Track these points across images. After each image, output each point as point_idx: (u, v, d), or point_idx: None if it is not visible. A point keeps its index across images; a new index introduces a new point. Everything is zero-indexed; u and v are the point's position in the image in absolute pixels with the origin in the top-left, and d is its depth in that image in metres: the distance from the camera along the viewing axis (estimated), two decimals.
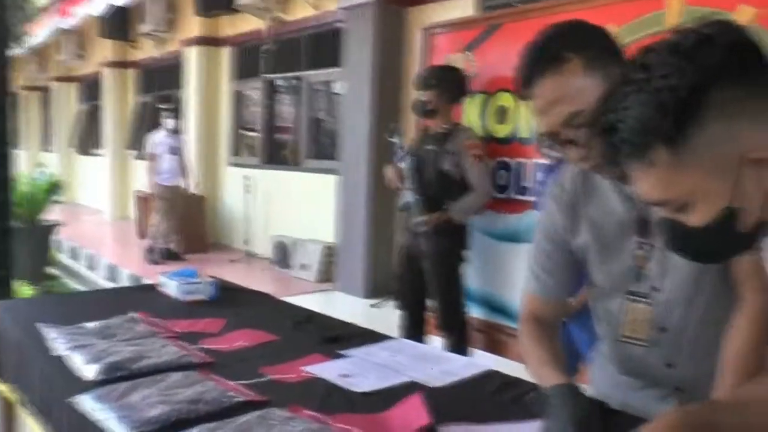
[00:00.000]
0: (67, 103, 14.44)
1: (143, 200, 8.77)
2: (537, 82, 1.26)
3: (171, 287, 2.41)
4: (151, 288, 2.60)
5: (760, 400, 1.03)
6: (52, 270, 8.11)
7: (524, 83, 1.28)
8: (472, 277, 4.24)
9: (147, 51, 10.76)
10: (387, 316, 4.54)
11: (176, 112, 7.68)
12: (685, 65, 0.80)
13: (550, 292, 1.49)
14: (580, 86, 1.24)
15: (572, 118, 1.24)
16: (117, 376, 1.59)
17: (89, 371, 1.60)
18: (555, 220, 1.45)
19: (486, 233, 4.28)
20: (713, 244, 0.89)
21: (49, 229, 8.05)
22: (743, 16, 2.90)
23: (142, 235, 8.49)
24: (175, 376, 1.55)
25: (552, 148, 1.32)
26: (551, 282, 1.48)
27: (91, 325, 1.97)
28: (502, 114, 4.21)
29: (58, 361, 1.72)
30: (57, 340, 1.82)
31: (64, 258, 8.81)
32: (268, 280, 6.48)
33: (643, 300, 1.36)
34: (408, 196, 3.88)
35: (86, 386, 1.53)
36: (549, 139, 1.29)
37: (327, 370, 1.67)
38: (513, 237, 4.11)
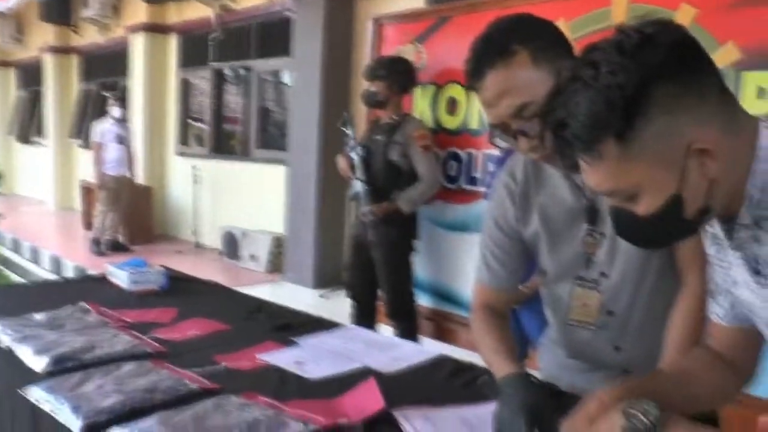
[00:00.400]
0: (5, 89, 13.97)
1: (88, 190, 8.55)
2: (486, 74, 1.28)
3: (120, 277, 2.39)
4: (100, 279, 2.57)
5: (690, 371, 1.09)
6: None
7: (473, 75, 1.31)
8: (421, 266, 4.30)
9: (90, 37, 10.47)
10: (336, 306, 4.55)
11: (122, 101, 7.51)
12: (629, 63, 0.85)
13: (501, 282, 1.53)
14: (528, 78, 1.27)
15: (521, 110, 1.27)
16: (68, 366, 1.57)
17: (38, 363, 1.58)
18: (506, 210, 1.49)
19: (435, 223, 4.34)
20: (660, 231, 0.94)
21: None
22: (684, 15, 3.00)
23: (88, 226, 8.29)
24: (129, 366, 1.55)
25: (502, 139, 1.35)
26: (502, 272, 1.52)
27: (39, 316, 1.94)
28: (452, 105, 4.27)
29: (5, 353, 1.69)
30: (3, 332, 1.78)
31: (4, 251, 8.56)
32: (216, 271, 6.41)
33: (592, 285, 1.42)
34: (357, 186, 3.90)
35: (35, 378, 1.51)
36: (499, 131, 1.33)
37: (281, 357, 1.69)
38: (462, 227, 4.18)
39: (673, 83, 0.85)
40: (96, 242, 7.26)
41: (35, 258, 7.73)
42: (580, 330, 1.48)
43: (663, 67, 0.85)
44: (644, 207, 0.91)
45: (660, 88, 0.85)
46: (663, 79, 0.85)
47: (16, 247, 8.39)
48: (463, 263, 4.14)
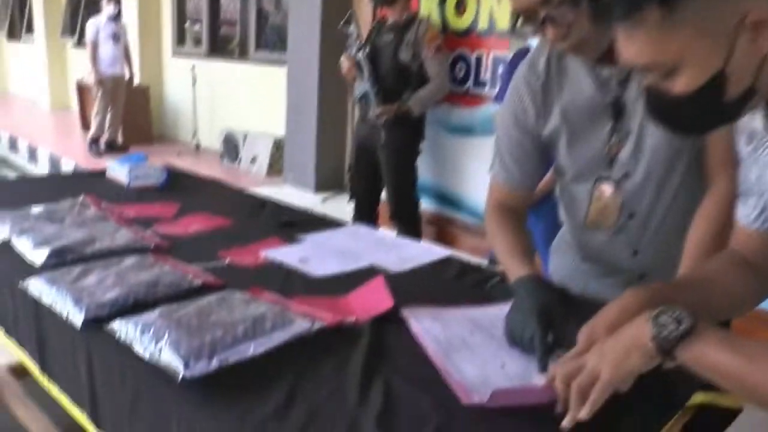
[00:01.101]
0: None
1: (84, 90, 8.39)
2: None
3: (120, 173, 2.33)
4: (100, 175, 2.51)
5: (714, 278, 1.05)
6: None
7: None
8: (424, 170, 4.24)
9: None
10: (338, 210, 4.52)
11: None
12: None
13: (517, 182, 1.47)
14: None
15: None
16: (68, 259, 1.54)
17: (38, 256, 1.54)
18: (524, 106, 1.41)
19: (441, 126, 4.25)
20: (697, 113, 0.87)
21: None
22: None
23: (85, 126, 8.17)
24: (131, 260, 1.51)
25: (527, 29, 1.27)
26: (518, 171, 1.45)
27: (37, 209, 1.90)
28: (460, 5, 4.10)
29: (4, 247, 1.65)
30: (1, 225, 1.74)
31: (1, 150, 8.47)
32: (216, 173, 6.31)
33: (613, 185, 1.36)
34: (365, 87, 3.79)
35: (35, 271, 1.47)
36: (525, 19, 1.24)
37: (285, 254, 1.65)
38: (468, 131, 4.10)
39: None
40: (94, 142, 7.18)
41: (33, 157, 7.66)
42: (597, 233, 1.43)
43: None
44: (683, 84, 0.83)
45: None
46: None
47: (13, 147, 8.30)
48: (468, 167, 4.08)
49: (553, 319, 1.14)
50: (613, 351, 0.90)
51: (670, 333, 0.85)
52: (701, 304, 0.99)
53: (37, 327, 1.45)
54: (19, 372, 2.21)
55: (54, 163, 7.11)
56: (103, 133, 7.19)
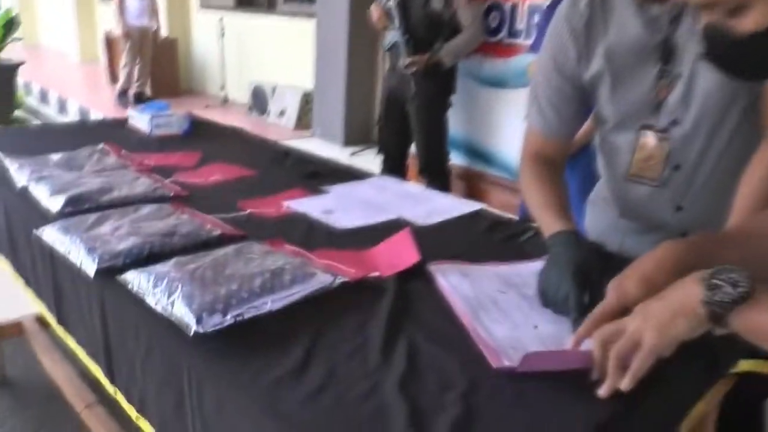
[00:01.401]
0: None
1: (112, 42, 8.33)
2: None
3: (142, 121, 2.27)
4: (121, 123, 2.46)
5: (765, 233, 0.96)
6: (19, 113, 7.82)
7: None
8: (455, 123, 4.12)
9: None
10: (367, 165, 4.45)
11: None
12: None
13: (554, 129, 1.37)
14: None
15: None
16: (85, 208, 1.49)
17: (54, 203, 1.50)
18: (565, 48, 1.30)
19: (473, 78, 4.12)
20: (763, 55, 0.77)
21: (11, 69, 7.63)
22: None
23: (113, 79, 8.15)
24: (147, 209, 1.45)
25: None
26: (556, 118, 1.36)
27: (56, 156, 1.85)
28: None
29: (22, 193, 1.61)
30: (19, 172, 1.70)
31: (32, 101, 8.49)
32: (244, 126, 6.28)
33: (660, 134, 1.26)
34: (395, 37, 3.67)
35: (51, 219, 1.43)
36: None
37: (309, 205, 1.58)
38: (501, 82, 3.96)
39: None
40: (122, 94, 7.16)
41: (63, 109, 7.66)
42: (638, 186, 1.34)
43: None
44: (752, 22, 0.74)
45: None
46: None
47: (43, 99, 8.32)
48: (500, 121, 3.96)
49: (590, 278, 1.05)
50: (658, 314, 0.82)
51: (725, 297, 0.77)
52: (748, 261, 0.89)
53: (53, 277, 1.41)
54: (44, 321, 2.20)
55: (83, 115, 7.11)
56: (131, 85, 7.17)
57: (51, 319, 1.49)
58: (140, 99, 7.14)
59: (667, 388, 0.90)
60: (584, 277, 1.05)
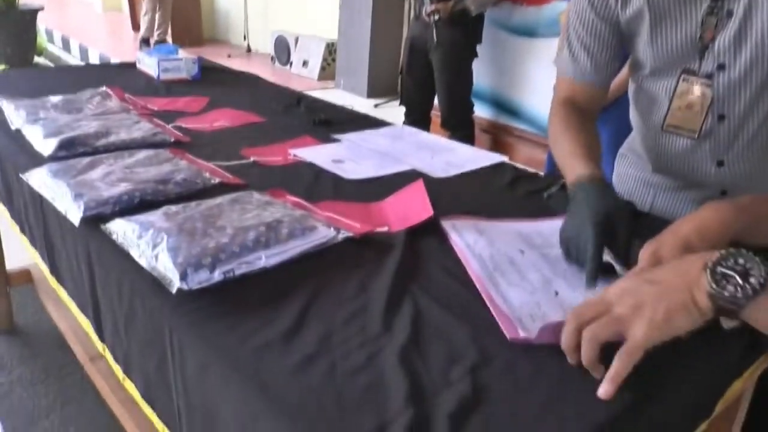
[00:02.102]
0: None
1: None
2: None
3: (149, 64, 2.16)
4: (130, 66, 2.35)
5: None
6: (40, 60, 7.74)
7: None
8: (481, 74, 3.95)
9: None
10: (390, 117, 4.32)
11: None
12: None
13: (588, 76, 1.25)
14: None
15: None
16: (79, 152, 1.39)
17: (47, 146, 1.40)
18: None
19: (500, 27, 3.93)
20: None
21: (31, 14, 7.51)
22: None
23: (136, 27, 8.05)
24: (144, 153, 1.35)
25: None
26: (589, 64, 1.23)
27: (56, 98, 1.75)
28: None
29: (16, 135, 1.52)
30: (16, 113, 1.61)
31: (54, 49, 8.41)
32: (266, 77, 6.12)
33: (703, 80, 1.12)
34: None
35: (43, 163, 1.33)
36: None
37: (317, 154, 1.47)
38: (531, 31, 3.78)
39: None
40: (145, 42, 7.05)
41: (84, 58, 7.58)
42: (676, 138, 1.21)
43: None
44: None
45: None
46: None
47: (65, 46, 8.24)
48: (529, 72, 3.79)
49: (614, 230, 0.92)
50: (652, 305, 0.68)
51: (735, 292, 0.65)
52: None
53: (44, 224, 1.32)
54: None
55: (105, 62, 7.02)
56: (153, 33, 7.05)
57: (44, 269, 1.41)
58: None
59: (704, 368, 0.79)
60: (607, 226, 0.92)
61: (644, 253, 0.82)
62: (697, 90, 1.13)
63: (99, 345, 1.16)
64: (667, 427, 0.75)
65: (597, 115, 1.29)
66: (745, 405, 1.12)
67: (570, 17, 1.26)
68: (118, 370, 1.09)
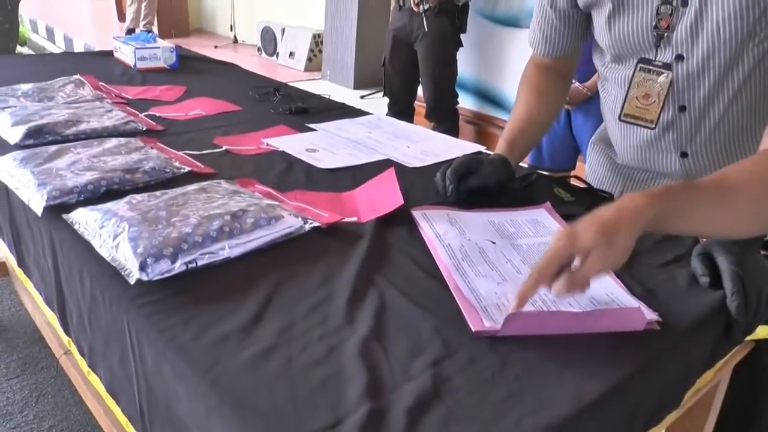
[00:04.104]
0: None
1: None
2: None
3: (126, 52, 2.13)
4: (106, 55, 2.31)
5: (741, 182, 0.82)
6: (24, 50, 7.64)
7: None
8: (465, 65, 3.93)
9: None
10: (376, 108, 4.29)
11: None
12: None
13: (557, 50, 1.28)
14: None
15: None
16: (47, 141, 1.36)
17: (14, 134, 1.37)
18: None
19: (485, 16, 3.90)
20: None
21: (12, 3, 7.41)
22: None
23: (122, 17, 7.97)
24: (114, 142, 1.32)
25: None
26: (559, 41, 1.27)
27: (27, 86, 1.72)
28: None
29: None
30: None
31: (38, 39, 8.31)
32: (253, 67, 6.04)
33: (660, 71, 1.10)
34: None
35: (10, 152, 1.30)
36: None
37: (291, 143, 1.44)
38: (515, 21, 3.75)
39: None
40: (130, 33, 6.98)
41: (69, 48, 7.50)
42: (637, 129, 1.19)
43: None
44: None
45: None
46: None
47: (50, 36, 8.15)
48: (513, 62, 3.76)
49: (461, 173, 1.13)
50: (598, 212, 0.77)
51: None
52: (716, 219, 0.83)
53: (10, 214, 1.29)
54: None
55: None
56: (138, 24, 6.98)
57: (12, 261, 1.38)
58: None
59: (682, 354, 0.78)
60: (462, 169, 1.13)
61: (559, 232, 0.80)
62: (654, 79, 1.11)
63: (65, 338, 1.14)
64: (632, 419, 0.73)
65: (572, 76, 1.37)
66: (720, 395, 1.11)
67: None
68: (83, 363, 1.06)
